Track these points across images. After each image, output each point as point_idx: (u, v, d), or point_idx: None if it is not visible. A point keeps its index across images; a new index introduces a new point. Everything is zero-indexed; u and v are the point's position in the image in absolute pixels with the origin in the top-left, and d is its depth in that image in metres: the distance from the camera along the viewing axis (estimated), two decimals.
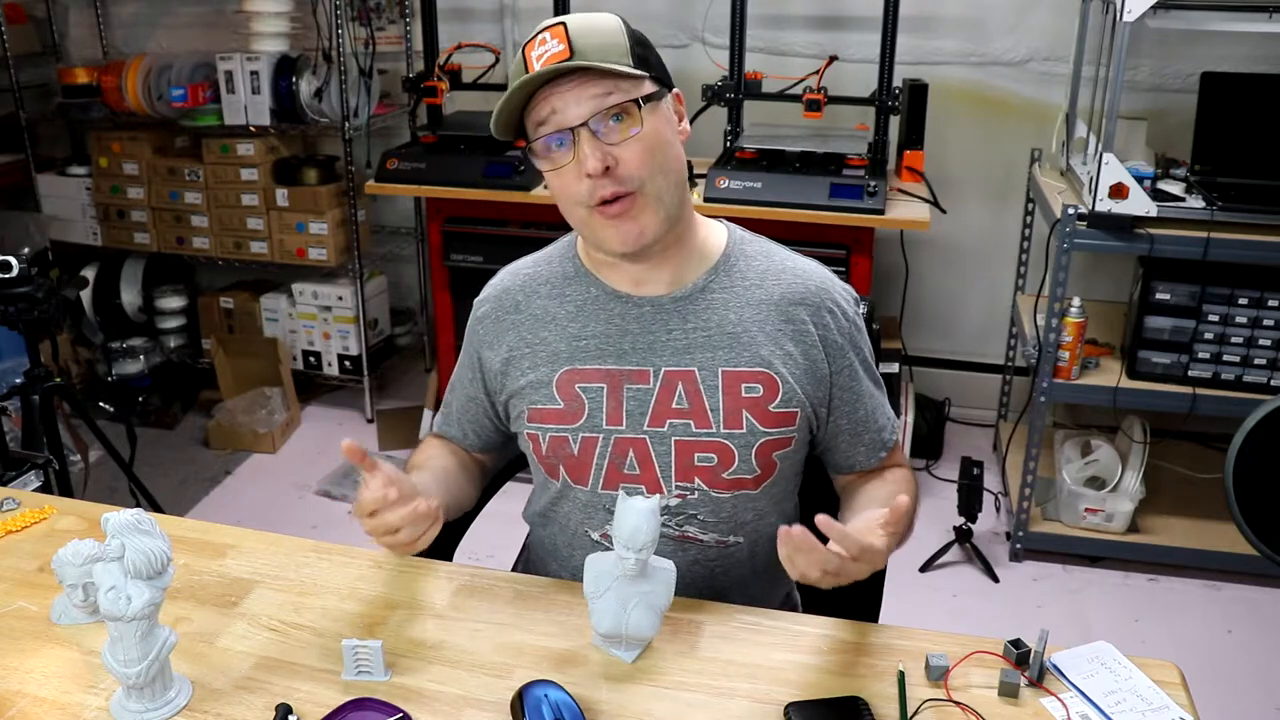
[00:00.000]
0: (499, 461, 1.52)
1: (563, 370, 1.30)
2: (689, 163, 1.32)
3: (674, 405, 1.27)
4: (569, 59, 1.16)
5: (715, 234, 1.34)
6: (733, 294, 1.29)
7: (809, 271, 1.33)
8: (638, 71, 1.19)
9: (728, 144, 2.97)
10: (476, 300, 1.40)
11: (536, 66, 1.16)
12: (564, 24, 1.18)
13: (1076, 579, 2.77)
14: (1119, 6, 2.31)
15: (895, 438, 1.40)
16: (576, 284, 1.32)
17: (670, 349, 1.28)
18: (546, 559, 1.43)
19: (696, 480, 1.29)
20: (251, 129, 3.44)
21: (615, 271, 1.30)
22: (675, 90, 1.27)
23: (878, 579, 1.45)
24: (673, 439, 1.28)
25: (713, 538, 1.32)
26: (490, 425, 1.42)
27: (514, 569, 1.53)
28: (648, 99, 1.19)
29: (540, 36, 1.18)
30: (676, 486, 1.29)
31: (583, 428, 1.29)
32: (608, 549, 1.14)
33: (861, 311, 1.37)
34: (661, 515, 1.29)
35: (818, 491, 1.45)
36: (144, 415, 3.59)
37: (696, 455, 1.28)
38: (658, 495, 1.13)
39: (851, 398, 1.33)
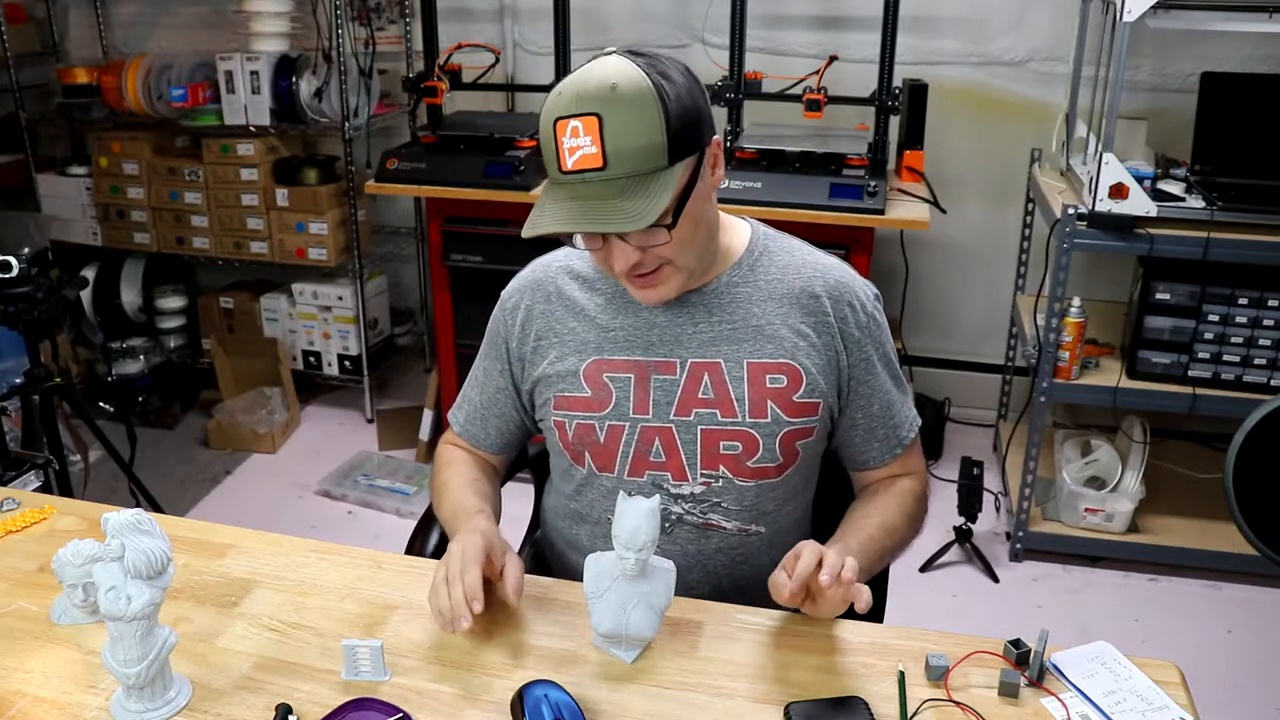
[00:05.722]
0: (509, 466, 1.54)
1: (591, 360, 1.32)
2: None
3: (700, 395, 1.30)
4: (601, 169, 1.12)
5: (739, 232, 1.37)
6: (757, 289, 1.32)
7: (830, 267, 1.36)
8: (672, 186, 1.15)
9: (728, 144, 2.96)
10: (505, 292, 1.42)
11: (569, 161, 1.13)
12: (598, 118, 1.11)
13: (1076, 579, 2.77)
14: (1119, 6, 2.31)
15: (912, 436, 1.41)
16: (607, 277, 1.34)
17: (697, 341, 1.30)
18: (566, 551, 1.44)
19: (721, 468, 1.31)
20: (251, 129, 3.43)
21: None
22: (715, 138, 1.22)
23: (881, 581, 1.46)
24: (699, 428, 1.30)
25: (735, 525, 1.34)
26: (517, 418, 1.44)
27: None
28: (680, 204, 1.17)
29: (572, 125, 1.12)
30: (701, 474, 1.31)
31: (609, 415, 1.31)
32: None
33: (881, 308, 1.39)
34: (686, 503, 1.32)
35: (829, 485, 1.47)
36: (144, 415, 3.59)
37: (722, 444, 1.30)
38: (658, 495, 1.13)
39: (867, 392, 1.35)
